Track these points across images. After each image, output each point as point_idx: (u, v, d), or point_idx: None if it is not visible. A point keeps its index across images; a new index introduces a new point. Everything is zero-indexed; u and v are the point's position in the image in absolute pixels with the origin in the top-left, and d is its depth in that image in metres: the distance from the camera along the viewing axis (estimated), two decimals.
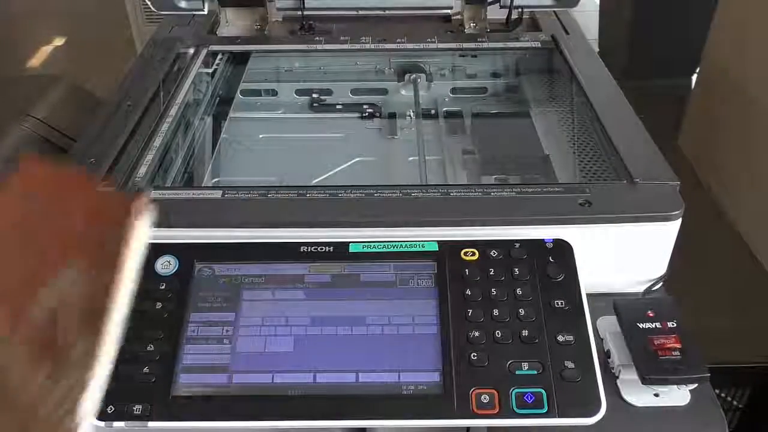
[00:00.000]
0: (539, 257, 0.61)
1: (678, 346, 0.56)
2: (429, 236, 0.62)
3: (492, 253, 0.61)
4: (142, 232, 0.42)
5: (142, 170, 0.72)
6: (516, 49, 0.98)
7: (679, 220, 0.64)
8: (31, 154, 0.74)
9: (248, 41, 0.99)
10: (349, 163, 0.79)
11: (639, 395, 0.58)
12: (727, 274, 0.84)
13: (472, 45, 0.98)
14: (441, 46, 0.97)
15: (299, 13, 1.04)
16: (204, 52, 0.94)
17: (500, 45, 0.98)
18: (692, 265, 0.73)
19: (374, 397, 0.54)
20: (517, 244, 0.61)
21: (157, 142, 0.76)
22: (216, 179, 0.75)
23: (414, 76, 0.95)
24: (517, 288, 0.59)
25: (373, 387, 0.55)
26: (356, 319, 0.58)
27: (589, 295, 0.59)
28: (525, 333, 0.57)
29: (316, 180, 0.73)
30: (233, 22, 1.09)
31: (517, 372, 0.55)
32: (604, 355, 0.61)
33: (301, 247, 0.62)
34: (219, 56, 0.97)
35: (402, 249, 0.62)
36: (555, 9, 1.04)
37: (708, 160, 1.34)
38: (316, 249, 0.62)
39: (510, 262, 0.61)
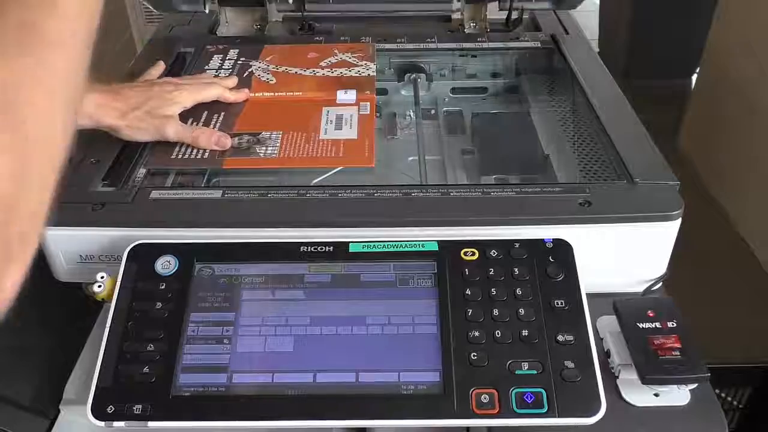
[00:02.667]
0: (539, 257, 0.61)
1: (678, 346, 0.56)
2: (429, 236, 0.63)
3: (492, 253, 0.61)
4: None
5: (142, 171, 0.72)
6: (516, 49, 0.98)
7: (679, 220, 0.64)
8: None
9: (248, 41, 0.99)
10: None
11: (639, 395, 0.58)
12: (727, 274, 0.84)
13: (472, 45, 0.98)
14: (441, 46, 0.97)
15: (299, 13, 1.04)
16: (204, 52, 0.94)
17: (500, 45, 0.98)
18: (692, 265, 0.72)
19: (374, 397, 0.55)
20: (517, 244, 0.62)
21: None
22: (216, 179, 0.75)
23: (414, 76, 0.95)
24: (517, 288, 0.59)
25: (373, 387, 0.55)
26: (356, 319, 0.58)
27: (589, 295, 0.59)
28: (525, 333, 0.57)
29: (316, 180, 0.73)
30: (233, 22, 1.09)
31: (517, 372, 0.55)
32: (604, 355, 0.61)
33: (301, 247, 0.62)
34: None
35: (402, 249, 0.62)
36: (555, 9, 1.04)
37: (708, 160, 1.33)
38: (316, 249, 0.62)
39: (510, 261, 0.61)
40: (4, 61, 0.38)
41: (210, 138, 0.74)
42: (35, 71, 0.39)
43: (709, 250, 0.85)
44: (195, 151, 0.74)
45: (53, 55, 0.40)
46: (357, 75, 0.88)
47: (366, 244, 0.62)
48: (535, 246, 0.62)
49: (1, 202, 0.35)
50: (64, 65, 0.41)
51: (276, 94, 0.85)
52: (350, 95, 0.83)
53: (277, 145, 0.75)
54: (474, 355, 0.56)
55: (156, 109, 0.74)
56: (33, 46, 0.40)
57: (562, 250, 0.61)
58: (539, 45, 0.98)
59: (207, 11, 1.02)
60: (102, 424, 0.54)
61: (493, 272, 0.60)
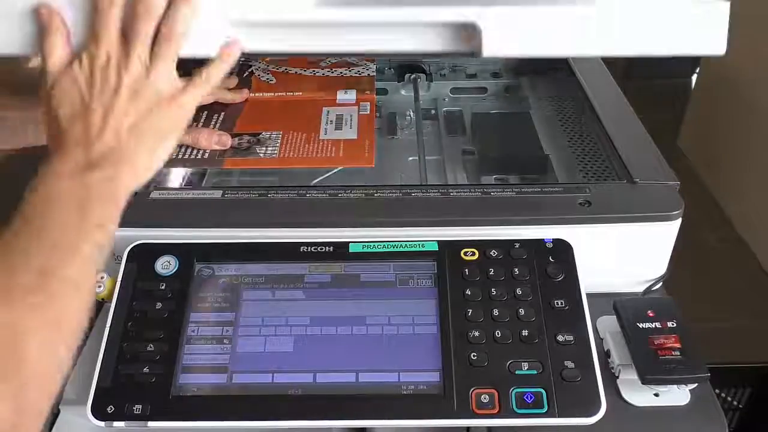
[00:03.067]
0: (539, 257, 0.61)
1: (678, 346, 0.56)
2: (429, 236, 0.63)
3: (492, 253, 0.61)
4: None
5: None
6: None
7: (679, 220, 0.64)
8: None
9: None
10: None
11: (639, 395, 0.58)
12: (727, 274, 0.84)
13: None
14: None
15: None
16: None
17: None
18: (692, 265, 0.73)
19: (374, 397, 0.55)
20: (517, 244, 0.62)
21: None
22: (216, 179, 0.75)
23: (414, 76, 0.95)
24: (517, 288, 0.59)
25: (373, 387, 0.55)
26: (356, 319, 0.58)
27: (589, 295, 0.59)
28: (525, 333, 0.57)
29: (316, 180, 0.73)
30: None
31: (517, 372, 0.55)
32: (604, 355, 0.61)
33: (301, 247, 0.62)
34: None
35: (402, 249, 0.62)
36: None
37: (708, 160, 1.34)
38: (316, 249, 0.62)
39: (510, 261, 0.61)
40: (19, 304, 0.41)
41: (210, 138, 0.74)
42: (48, 313, 0.42)
43: (709, 250, 0.85)
44: (195, 151, 0.74)
45: (68, 298, 0.44)
46: (357, 75, 0.88)
47: (366, 244, 0.62)
48: (535, 246, 0.61)
49: None
50: (76, 304, 0.44)
51: (276, 94, 0.85)
52: (350, 95, 0.83)
53: (277, 145, 0.75)
54: (474, 355, 0.56)
55: None
56: (50, 291, 0.43)
57: (562, 250, 0.61)
58: None
59: None
60: (102, 424, 0.54)
61: (493, 272, 0.60)
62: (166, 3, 0.51)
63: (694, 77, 1.64)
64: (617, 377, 0.59)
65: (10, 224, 0.45)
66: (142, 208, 0.65)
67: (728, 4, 0.53)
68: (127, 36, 0.50)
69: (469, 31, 0.52)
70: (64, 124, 0.49)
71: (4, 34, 0.52)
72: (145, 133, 0.51)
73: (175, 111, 0.52)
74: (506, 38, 0.52)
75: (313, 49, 0.62)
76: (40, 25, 0.51)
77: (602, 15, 0.53)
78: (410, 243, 0.62)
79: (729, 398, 0.88)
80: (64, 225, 0.45)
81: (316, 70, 0.89)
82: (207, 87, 0.54)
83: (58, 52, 0.50)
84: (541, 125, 0.87)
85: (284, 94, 0.85)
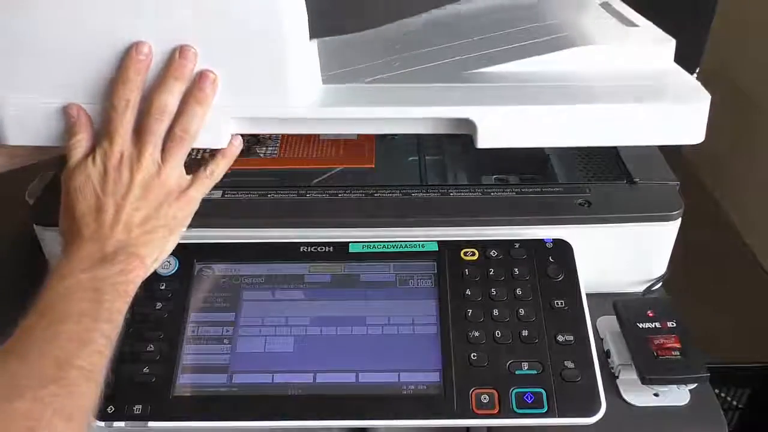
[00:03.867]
0: (539, 257, 0.61)
1: (678, 346, 0.56)
2: (429, 236, 0.63)
3: (492, 253, 0.61)
4: None
5: None
6: None
7: (679, 220, 0.64)
8: None
9: None
10: None
11: (639, 395, 0.58)
12: (727, 274, 0.84)
13: None
14: None
15: None
16: None
17: None
18: (692, 265, 0.73)
19: (374, 397, 0.55)
20: (517, 244, 0.62)
21: None
22: None
23: None
24: (517, 288, 0.59)
25: (373, 387, 0.55)
26: (356, 319, 0.58)
27: (589, 295, 0.59)
28: (525, 333, 0.57)
29: (316, 180, 0.73)
30: None
31: (516, 372, 0.55)
32: (604, 355, 0.61)
33: (301, 247, 0.62)
34: None
35: (402, 249, 0.62)
36: None
37: (708, 160, 1.33)
38: (316, 249, 0.62)
39: (510, 262, 0.61)
40: (39, 395, 0.43)
41: None
42: (62, 405, 0.43)
43: (709, 250, 0.85)
44: (195, 151, 0.74)
45: (81, 389, 0.45)
46: None
47: (366, 244, 0.62)
48: (535, 246, 0.62)
49: None
50: (88, 395, 0.46)
51: None
52: None
53: (277, 145, 0.75)
54: (474, 355, 0.56)
55: None
56: (65, 382, 0.44)
57: (562, 250, 0.61)
58: None
59: None
60: (102, 424, 0.54)
61: (493, 272, 0.60)
62: (178, 103, 0.52)
63: (694, 77, 1.63)
64: (617, 377, 0.59)
65: (25, 317, 0.46)
66: None
67: (709, 97, 0.57)
68: (139, 134, 0.52)
69: (465, 123, 0.56)
70: (78, 218, 0.51)
71: (36, 127, 0.55)
72: (154, 227, 0.53)
73: (182, 205, 0.54)
74: (500, 133, 0.57)
75: (315, 132, 0.67)
76: (68, 121, 0.53)
77: (586, 113, 0.56)
78: (410, 243, 0.62)
79: (729, 398, 0.88)
80: (78, 317, 0.47)
81: None
82: (212, 181, 0.56)
83: (81, 148, 0.53)
84: None
85: None
